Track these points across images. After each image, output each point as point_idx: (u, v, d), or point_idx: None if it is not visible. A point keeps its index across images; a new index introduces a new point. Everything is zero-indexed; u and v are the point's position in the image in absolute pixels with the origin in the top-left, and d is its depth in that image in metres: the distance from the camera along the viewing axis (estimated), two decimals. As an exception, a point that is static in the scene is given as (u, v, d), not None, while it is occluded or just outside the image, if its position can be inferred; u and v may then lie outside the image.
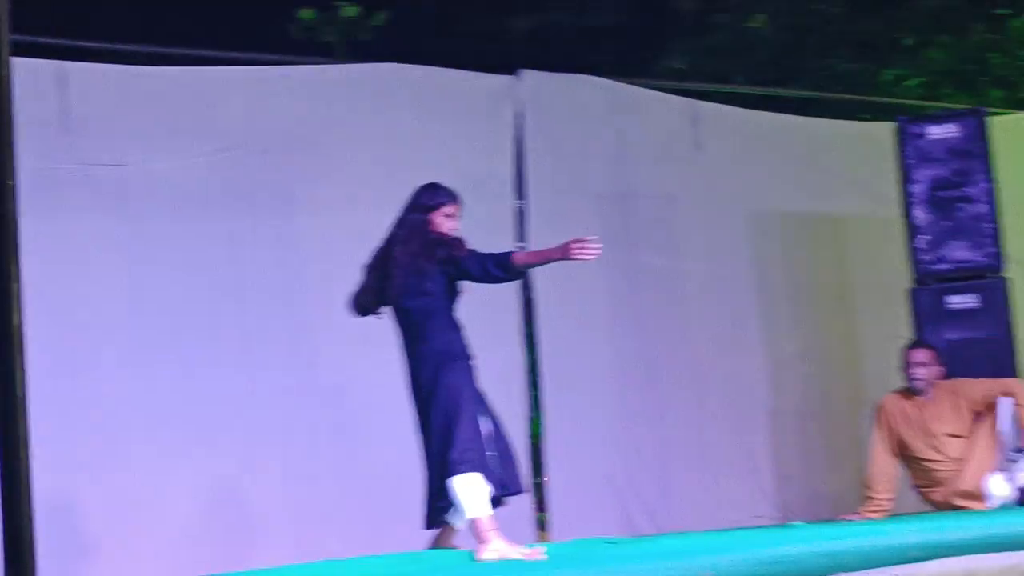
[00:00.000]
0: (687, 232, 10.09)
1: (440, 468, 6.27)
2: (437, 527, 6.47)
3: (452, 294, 6.51)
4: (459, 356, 6.43)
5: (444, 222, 6.60)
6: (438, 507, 6.35)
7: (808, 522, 8.12)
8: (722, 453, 9.94)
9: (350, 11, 17.10)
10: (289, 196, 8.58)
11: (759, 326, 10.30)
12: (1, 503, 2.93)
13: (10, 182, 2.54)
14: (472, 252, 6.42)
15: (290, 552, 7.31)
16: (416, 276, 6.44)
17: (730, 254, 10.24)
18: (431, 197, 6.65)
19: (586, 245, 6.34)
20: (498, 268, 6.41)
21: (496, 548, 6.10)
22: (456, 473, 6.20)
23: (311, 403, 8.41)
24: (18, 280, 2.49)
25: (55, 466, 6.50)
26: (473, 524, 6.20)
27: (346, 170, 8.70)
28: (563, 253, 6.38)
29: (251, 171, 8.42)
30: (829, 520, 8.73)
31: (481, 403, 6.42)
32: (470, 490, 6.19)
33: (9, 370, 2.37)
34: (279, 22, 15.52)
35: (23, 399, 2.48)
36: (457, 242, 6.49)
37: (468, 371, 6.42)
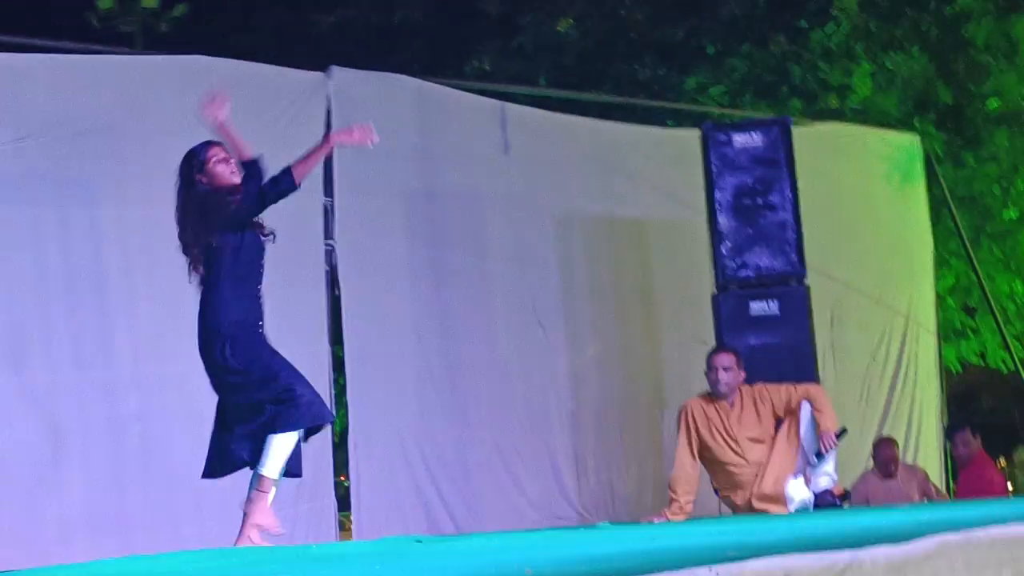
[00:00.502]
0: (493, 233, 10.12)
1: (259, 424, 6.31)
2: (215, 478, 6.45)
3: (245, 257, 6.44)
4: (252, 325, 6.41)
5: (220, 168, 6.52)
6: (232, 461, 6.39)
7: (614, 523, 8.16)
8: (523, 454, 9.98)
9: (150, 2, 16.82)
10: (90, 186, 8.42)
11: (562, 327, 10.36)
12: None
13: None
14: (246, 193, 6.40)
15: (97, 549, 7.13)
16: (208, 251, 6.40)
17: (536, 255, 10.29)
18: (194, 159, 6.56)
19: (367, 130, 6.47)
20: (278, 192, 6.39)
21: (262, 512, 6.25)
22: (278, 432, 6.27)
23: (111, 395, 8.27)
24: None
25: None
26: (260, 479, 6.28)
27: (148, 162, 8.52)
28: (345, 137, 6.62)
29: (52, 160, 8.26)
30: (630, 521, 8.79)
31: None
32: (282, 450, 6.28)
33: None
34: (77, 10, 15.19)
35: None
36: (225, 194, 6.43)
37: (262, 337, 6.43)
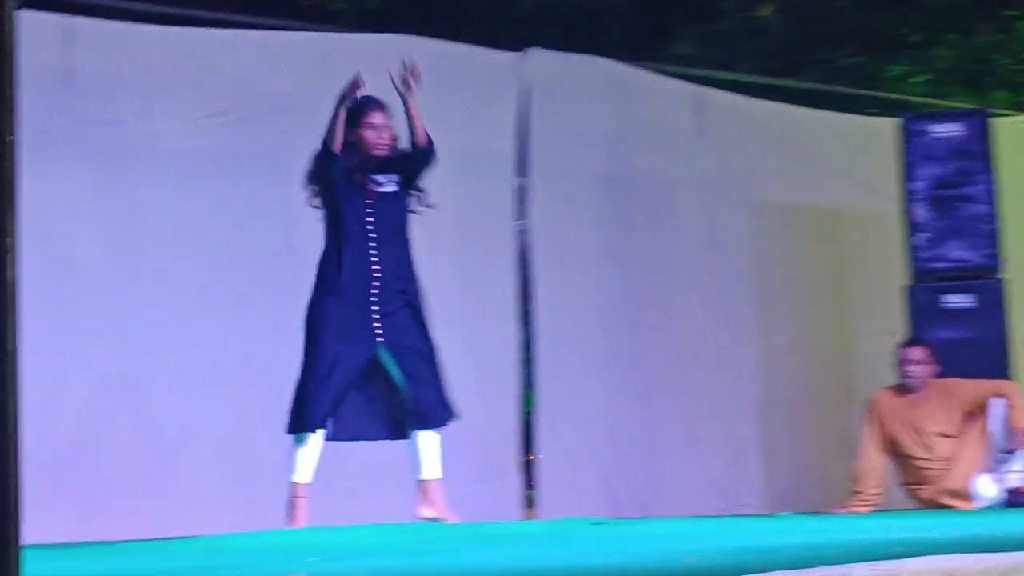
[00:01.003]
0: (685, 218, 10.07)
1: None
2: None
3: (341, 219, 6.46)
4: (351, 290, 6.41)
5: (369, 135, 6.53)
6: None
7: (794, 513, 8.10)
8: (710, 440, 9.93)
9: (360, -21, 16.97)
10: (284, 164, 8.48)
11: (752, 315, 10.29)
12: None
13: (10, 137, 2.49)
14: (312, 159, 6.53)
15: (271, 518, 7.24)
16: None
17: (727, 241, 10.21)
18: (353, 113, 6.58)
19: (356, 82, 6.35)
20: (328, 162, 6.44)
21: (292, 522, 6.28)
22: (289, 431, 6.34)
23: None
24: (13, 235, 2.45)
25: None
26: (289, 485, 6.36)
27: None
28: (347, 91, 6.40)
29: (248, 136, 8.35)
30: (815, 512, 8.72)
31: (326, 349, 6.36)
32: (298, 451, 6.35)
33: (1, 324, 2.33)
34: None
35: (14, 353, 2.45)
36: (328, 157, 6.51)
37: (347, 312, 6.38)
